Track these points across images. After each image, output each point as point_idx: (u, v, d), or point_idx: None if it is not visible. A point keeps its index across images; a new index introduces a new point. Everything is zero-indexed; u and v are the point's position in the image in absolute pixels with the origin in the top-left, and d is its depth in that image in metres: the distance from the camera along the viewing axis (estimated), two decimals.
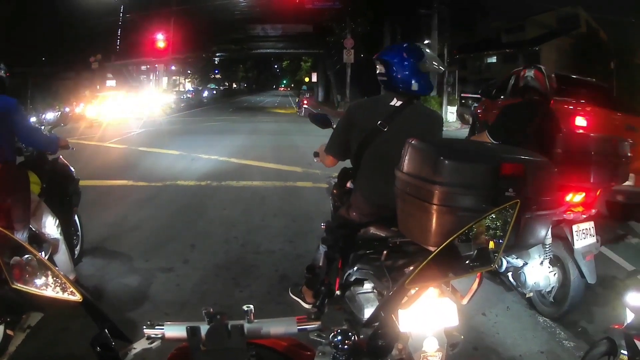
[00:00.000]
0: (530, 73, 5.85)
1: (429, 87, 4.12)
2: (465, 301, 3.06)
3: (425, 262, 1.66)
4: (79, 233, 6.76)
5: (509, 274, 5.52)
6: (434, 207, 2.97)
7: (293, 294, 5.53)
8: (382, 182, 3.71)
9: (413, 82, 3.98)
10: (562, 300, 5.30)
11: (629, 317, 3.28)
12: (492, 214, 1.84)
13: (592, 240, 5.18)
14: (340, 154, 4.47)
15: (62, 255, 5.47)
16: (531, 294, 5.50)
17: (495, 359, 4.80)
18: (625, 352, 3.14)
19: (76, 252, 6.45)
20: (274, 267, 6.91)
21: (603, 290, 5.70)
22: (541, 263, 5.20)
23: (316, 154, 4.95)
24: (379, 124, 3.98)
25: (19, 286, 1.62)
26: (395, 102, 4.04)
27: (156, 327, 1.69)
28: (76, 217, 6.63)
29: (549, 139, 5.31)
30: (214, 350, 1.60)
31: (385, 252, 3.56)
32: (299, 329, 1.75)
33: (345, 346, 1.63)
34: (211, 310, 1.66)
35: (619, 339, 3.20)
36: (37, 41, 41.43)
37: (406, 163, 3.25)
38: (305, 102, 44.81)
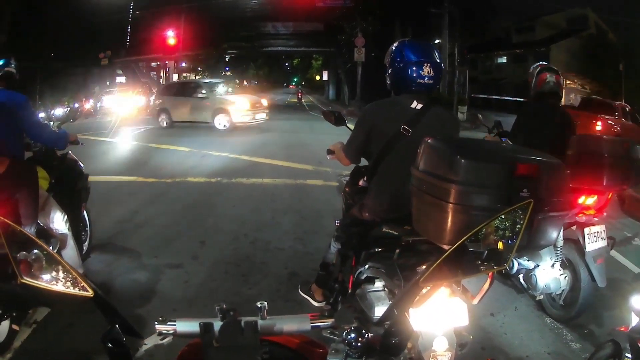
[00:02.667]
0: (551, 78, 5.85)
1: (439, 78, 4.10)
2: (475, 301, 3.06)
3: (440, 260, 1.66)
4: (88, 229, 6.77)
5: (520, 276, 5.51)
6: (450, 205, 2.98)
7: (302, 292, 5.53)
8: (400, 186, 3.69)
9: (425, 78, 3.96)
10: (572, 304, 5.28)
11: (634, 320, 3.28)
12: (505, 213, 1.84)
13: (603, 243, 5.16)
14: (359, 157, 4.44)
15: (70, 251, 5.46)
16: (541, 297, 5.49)
17: (503, 359, 4.80)
18: (630, 356, 3.13)
19: (84, 248, 6.47)
20: (283, 265, 6.91)
21: (610, 293, 5.68)
22: (552, 265, 5.19)
23: (329, 152, 4.89)
24: (402, 128, 3.94)
25: (28, 281, 1.61)
26: (416, 105, 3.99)
27: (168, 323, 1.70)
28: (85, 212, 6.64)
29: (563, 141, 5.29)
30: (227, 346, 1.60)
31: (397, 250, 3.56)
32: (312, 326, 1.75)
33: (359, 344, 1.63)
34: (224, 306, 1.66)
35: (623, 342, 3.19)
36: (46, 36, 41.50)
37: (423, 161, 3.26)
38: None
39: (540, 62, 6.24)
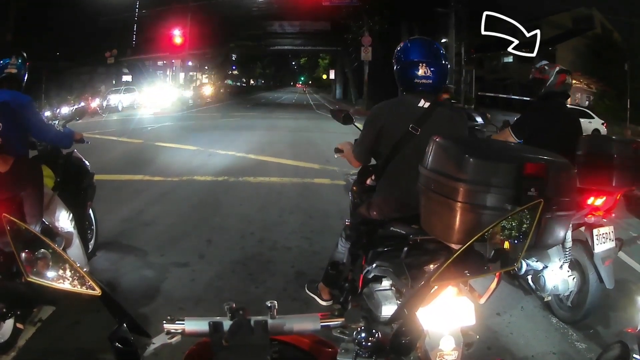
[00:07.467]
0: (569, 80, 5.84)
1: (444, 78, 4.13)
2: (482, 301, 3.06)
3: (451, 259, 1.66)
4: (93, 227, 6.79)
5: (529, 277, 5.49)
6: (458, 204, 2.97)
7: (309, 291, 5.52)
8: (408, 185, 3.69)
9: (426, 78, 3.97)
10: (579, 305, 5.26)
11: None
12: (515, 213, 1.84)
13: (611, 244, 5.13)
14: (369, 158, 4.46)
15: (76, 250, 5.47)
16: (549, 298, 5.47)
17: (509, 358, 4.79)
18: (638, 357, 3.11)
19: (90, 247, 6.47)
20: (290, 264, 6.90)
21: (617, 294, 5.65)
22: (560, 267, 5.16)
23: (337, 150, 4.90)
24: (410, 127, 3.94)
25: (34, 279, 1.61)
26: (423, 104, 3.99)
27: (176, 322, 1.69)
28: (90, 211, 6.65)
29: (568, 140, 5.28)
30: (237, 345, 1.59)
31: (405, 249, 3.55)
32: (322, 326, 1.75)
33: (369, 343, 1.63)
34: (233, 305, 1.66)
35: (631, 343, 3.17)
36: (52, 35, 41.57)
37: (431, 160, 3.25)
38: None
39: (545, 61, 6.21)
